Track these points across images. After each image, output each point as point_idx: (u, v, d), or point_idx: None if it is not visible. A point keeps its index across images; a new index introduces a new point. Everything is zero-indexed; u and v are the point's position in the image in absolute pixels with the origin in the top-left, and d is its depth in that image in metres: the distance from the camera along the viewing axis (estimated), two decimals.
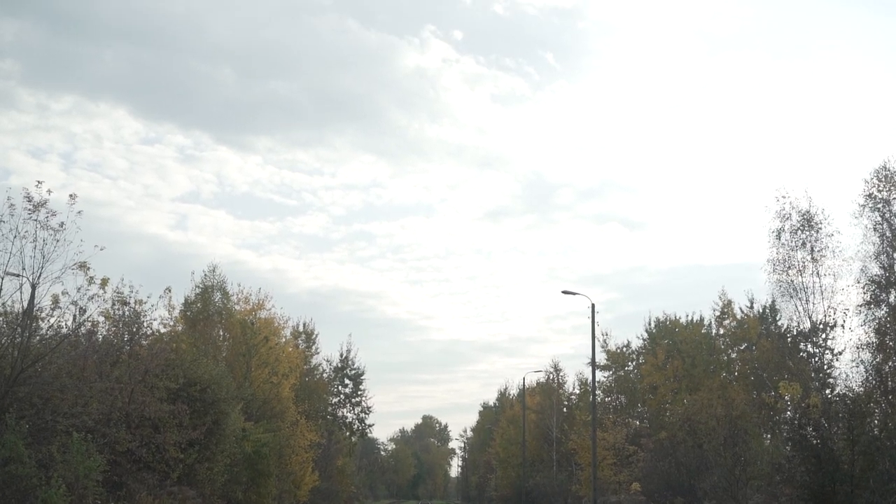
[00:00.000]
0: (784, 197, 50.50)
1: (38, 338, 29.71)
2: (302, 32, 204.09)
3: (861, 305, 45.59)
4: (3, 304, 28.69)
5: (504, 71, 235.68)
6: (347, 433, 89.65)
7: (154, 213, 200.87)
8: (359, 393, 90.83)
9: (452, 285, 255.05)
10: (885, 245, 44.29)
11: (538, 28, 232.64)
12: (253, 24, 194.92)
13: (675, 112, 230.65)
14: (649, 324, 76.48)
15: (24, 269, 27.86)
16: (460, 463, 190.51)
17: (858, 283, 45.64)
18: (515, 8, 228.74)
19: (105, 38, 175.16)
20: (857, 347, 45.56)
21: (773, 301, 60.31)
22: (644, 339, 76.55)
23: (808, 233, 49.75)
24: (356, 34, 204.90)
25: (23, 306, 28.82)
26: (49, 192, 28.45)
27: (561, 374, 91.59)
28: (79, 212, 28.87)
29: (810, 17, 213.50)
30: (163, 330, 46.70)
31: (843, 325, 49.10)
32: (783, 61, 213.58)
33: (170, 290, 40.28)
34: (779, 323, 62.48)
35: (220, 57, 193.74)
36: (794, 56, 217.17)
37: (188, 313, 53.56)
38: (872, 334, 44.88)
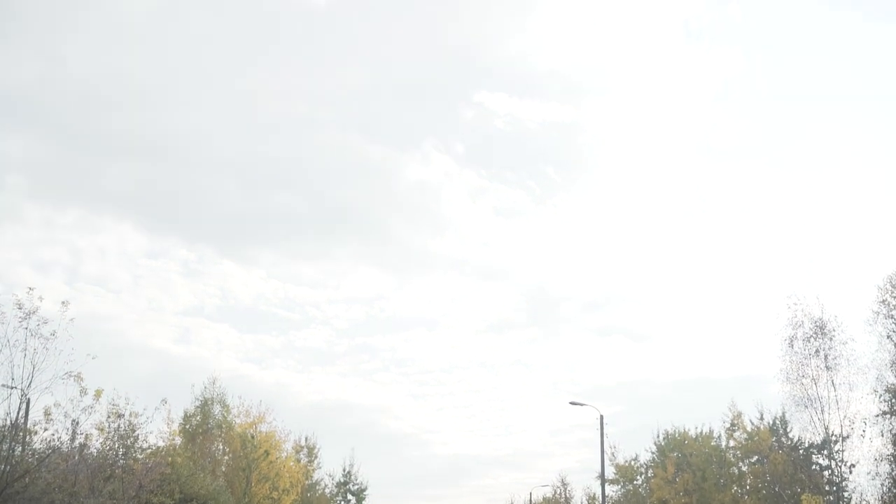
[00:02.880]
0: (796, 304, 49.62)
1: (30, 451, 28.71)
2: (304, 146, 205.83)
3: (877, 415, 44.52)
4: None
5: (506, 184, 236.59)
6: None
7: (157, 327, 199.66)
8: None
9: (456, 399, 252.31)
10: None
11: (539, 141, 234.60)
12: (256, 137, 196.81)
13: (677, 223, 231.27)
14: (658, 436, 74.91)
15: (12, 378, 26.98)
16: None
17: (875, 392, 44.65)
18: (516, 123, 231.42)
19: (110, 152, 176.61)
20: (875, 459, 44.35)
21: (784, 412, 59.08)
22: (653, 452, 74.90)
23: (821, 340, 48.64)
24: (358, 147, 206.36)
25: (11, 417, 27.83)
26: (40, 298, 27.75)
27: (568, 488, 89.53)
28: (71, 319, 28.14)
29: (810, 126, 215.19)
30: (160, 443, 45.52)
31: (862, 435, 47.71)
32: (784, 171, 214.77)
33: (166, 402, 39.28)
34: (790, 434, 61.10)
35: (224, 170, 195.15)
36: (794, 165, 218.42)
37: (187, 427, 52.45)
38: (890, 445, 43.76)
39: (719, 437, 70.35)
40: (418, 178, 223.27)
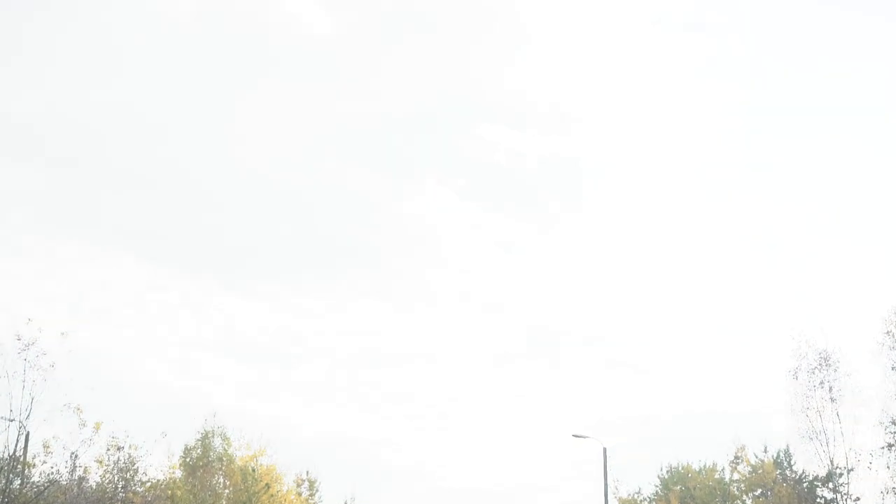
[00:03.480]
0: (800, 335, 49.30)
1: (28, 484, 28.44)
2: (306, 178, 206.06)
3: (883, 447, 44.18)
4: None
5: (506, 217, 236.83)
6: None
7: (158, 359, 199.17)
8: None
9: (457, 432, 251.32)
10: None
11: (539, 174, 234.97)
12: (257, 169, 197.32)
13: (679, 256, 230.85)
14: (661, 469, 74.33)
15: (10, 410, 26.73)
16: None
17: (881, 424, 44.34)
18: (516, 156, 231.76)
19: (112, 184, 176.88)
20: (881, 492, 44.00)
21: (788, 445, 58.63)
22: (656, 486, 74.30)
23: (825, 372, 48.23)
24: (359, 180, 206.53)
25: (9, 450, 27.55)
26: (39, 330, 27.57)
27: None
28: (70, 351, 27.96)
29: (812, 157, 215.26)
30: (160, 477, 45.12)
31: (869, 466, 47.29)
32: (787, 203, 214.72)
33: (166, 435, 39.04)
34: (794, 467, 60.60)
35: (227, 202, 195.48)
36: (797, 196, 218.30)
37: (187, 459, 52.03)
38: None
39: (723, 470, 69.81)
40: (419, 211, 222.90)
